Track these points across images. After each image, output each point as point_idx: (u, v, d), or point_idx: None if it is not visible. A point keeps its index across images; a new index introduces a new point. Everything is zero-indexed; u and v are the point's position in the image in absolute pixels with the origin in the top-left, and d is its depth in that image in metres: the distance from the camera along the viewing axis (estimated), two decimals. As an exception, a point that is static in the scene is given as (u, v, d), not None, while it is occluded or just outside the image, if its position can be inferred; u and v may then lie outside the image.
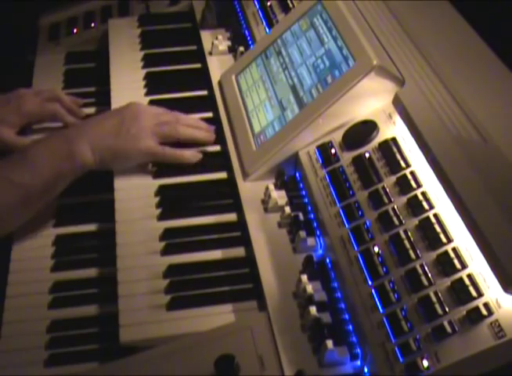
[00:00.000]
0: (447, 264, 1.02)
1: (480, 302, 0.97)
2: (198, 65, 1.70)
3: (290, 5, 1.58)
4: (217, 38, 1.67)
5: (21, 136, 1.51)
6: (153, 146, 1.36)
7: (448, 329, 0.96)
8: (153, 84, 1.63)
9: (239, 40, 1.66)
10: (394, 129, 1.23)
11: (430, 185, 1.12)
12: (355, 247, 1.11)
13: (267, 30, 1.59)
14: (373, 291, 1.05)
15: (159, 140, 1.38)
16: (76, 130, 1.36)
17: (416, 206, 1.10)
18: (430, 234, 1.06)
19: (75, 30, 1.87)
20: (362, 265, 1.09)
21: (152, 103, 1.57)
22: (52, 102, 1.55)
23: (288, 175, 1.33)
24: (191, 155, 1.40)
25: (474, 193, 1.03)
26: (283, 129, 1.34)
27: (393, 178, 1.16)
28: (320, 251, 1.21)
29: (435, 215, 1.08)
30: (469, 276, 1.00)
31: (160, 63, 1.70)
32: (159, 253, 1.26)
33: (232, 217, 1.33)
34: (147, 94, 1.61)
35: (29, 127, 1.55)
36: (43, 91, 1.58)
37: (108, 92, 1.61)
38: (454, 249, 1.03)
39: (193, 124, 1.44)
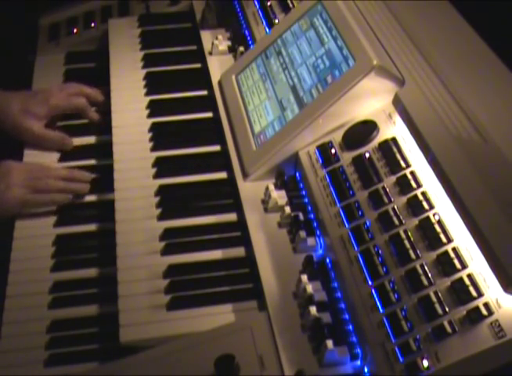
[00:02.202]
0: (447, 264, 1.02)
1: (480, 302, 0.97)
2: (198, 65, 1.70)
3: (290, 5, 1.58)
4: (217, 38, 1.67)
5: (49, 129, 1.54)
6: (21, 195, 1.36)
7: (449, 329, 0.96)
8: (153, 84, 1.63)
9: (239, 40, 1.66)
10: (394, 129, 1.23)
11: (430, 185, 1.12)
12: (355, 247, 1.11)
13: (267, 30, 1.59)
14: (373, 291, 1.05)
15: (30, 192, 1.37)
16: None
17: (416, 206, 1.10)
18: (430, 234, 1.06)
19: (75, 30, 1.87)
20: (362, 265, 1.09)
21: (152, 102, 1.58)
22: (78, 96, 1.59)
23: (288, 175, 1.33)
24: (61, 197, 1.40)
25: (474, 193, 1.03)
26: (283, 129, 1.34)
27: (393, 178, 1.16)
28: (320, 251, 1.21)
29: (435, 215, 1.08)
30: (469, 276, 1.00)
31: (160, 63, 1.70)
32: (159, 253, 1.26)
33: (232, 217, 1.33)
34: (147, 94, 1.61)
35: (54, 123, 1.58)
36: (67, 86, 1.62)
37: (108, 92, 1.61)
38: (454, 249, 1.03)
39: (66, 176, 1.43)
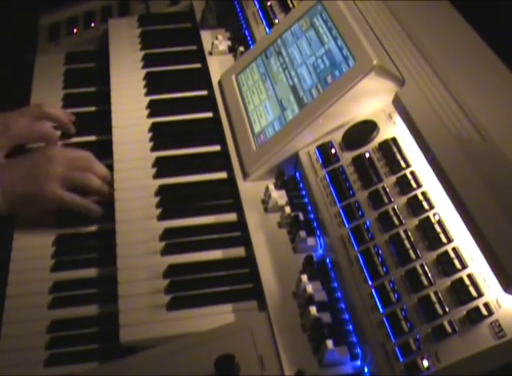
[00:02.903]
0: (447, 264, 1.02)
1: (480, 302, 0.97)
2: (198, 65, 1.70)
3: (290, 5, 1.58)
4: (217, 38, 1.67)
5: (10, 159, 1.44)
6: (58, 192, 1.32)
7: (449, 329, 0.96)
8: (153, 84, 1.63)
9: (239, 40, 1.66)
10: (394, 129, 1.23)
11: (430, 185, 1.12)
12: (355, 247, 1.11)
13: (267, 30, 1.59)
14: (373, 291, 1.05)
15: (67, 186, 1.34)
16: None
17: (416, 206, 1.10)
18: (430, 234, 1.06)
19: (75, 30, 1.87)
20: (362, 265, 1.09)
21: (152, 102, 1.58)
22: (41, 121, 1.50)
23: (288, 175, 1.33)
24: (97, 209, 1.37)
25: (474, 193, 1.03)
26: (283, 129, 1.34)
27: (393, 178, 1.16)
28: (320, 251, 1.21)
29: (435, 215, 1.08)
30: (469, 276, 1.00)
31: (160, 63, 1.70)
32: (159, 253, 1.26)
33: (232, 217, 1.33)
34: (147, 94, 1.61)
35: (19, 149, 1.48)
36: (29, 109, 1.51)
37: (108, 92, 1.61)
38: (454, 249, 1.03)
39: (104, 176, 1.39)
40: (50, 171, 1.32)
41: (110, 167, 1.43)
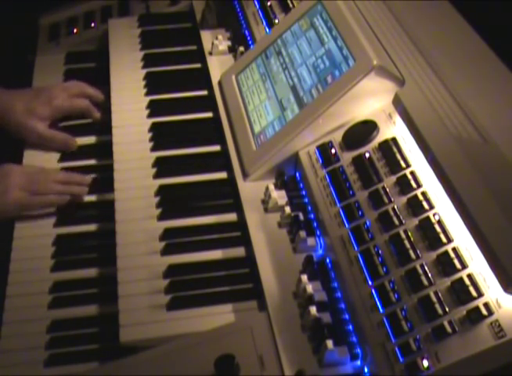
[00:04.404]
0: (447, 264, 1.02)
1: (480, 302, 0.97)
2: (198, 65, 1.70)
3: (290, 5, 1.58)
4: (217, 38, 1.67)
5: (53, 130, 1.53)
6: (19, 198, 1.35)
7: (449, 329, 0.96)
8: (153, 84, 1.63)
9: (239, 40, 1.66)
10: (394, 129, 1.23)
11: (430, 185, 1.12)
12: (355, 247, 1.11)
13: (267, 30, 1.59)
14: (373, 291, 1.05)
15: (28, 194, 1.36)
16: None
17: (416, 206, 1.10)
18: (430, 234, 1.06)
19: (75, 30, 1.87)
20: (362, 265, 1.09)
21: (152, 102, 1.58)
22: (81, 97, 1.59)
23: (288, 175, 1.33)
24: (58, 199, 1.39)
25: (474, 193, 1.03)
26: (283, 129, 1.34)
27: (393, 178, 1.16)
28: (320, 251, 1.21)
29: (435, 215, 1.08)
30: (469, 276, 1.00)
31: (160, 63, 1.70)
32: (159, 253, 1.26)
33: (232, 217, 1.33)
34: (147, 94, 1.61)
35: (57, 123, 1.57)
36: (70, 86, 1.61)
37: (108, 92, 1.61)
38: (454, 249, 1.03)
39: (65, 180, 1.42)
40: (9, 184, 1.35)
41: (110, 167, 1.43)
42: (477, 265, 1.01)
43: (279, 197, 1.28)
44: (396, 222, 1.10)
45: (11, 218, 1.38)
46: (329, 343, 1.02)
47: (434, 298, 0.99)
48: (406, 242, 1.07)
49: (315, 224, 1.23)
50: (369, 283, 1.06)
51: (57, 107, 1.54)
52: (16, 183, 1.36)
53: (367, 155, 1.21)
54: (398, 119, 1.23)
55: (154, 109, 1.56)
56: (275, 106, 1.39)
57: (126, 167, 1.43)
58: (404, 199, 1.12)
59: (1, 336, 1.18)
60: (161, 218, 1.32)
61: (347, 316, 1.09)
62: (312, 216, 1.25)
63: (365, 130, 1.25)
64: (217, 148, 1.48)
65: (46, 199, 1.38)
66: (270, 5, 1.63)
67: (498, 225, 0.99)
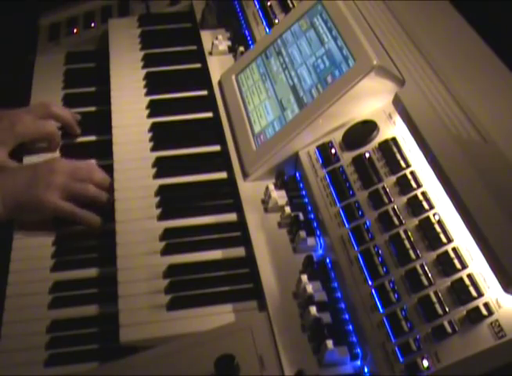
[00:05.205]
0: (447, 264, 1.02)
1: (480, 302, 0.97)
2: (198, 65, 1.70)
3: (290, 5, 1.58)
4: (217, 38, 1.67)
5: (12, 160, 1.46)
6: (57, 202, 1.32)
7: (448, 329, 0.96)
8: (153, 84, 1.63)
9: (239, 40, 1.66)
10: (394, 129, 1.23)
11: (430, 185, 1.12)
12: (355, 247, 1.11)
13: (267, 30, 1.59)
14: (373, 291, 1.05)
15: (67, 197, 1.34)
16: None
17: (416, 206, 1.10)
18: (430, 234, 1.06)
19: (75, 30, 1.87)
20: (362, 265, 1.09)
21: (152, 102, 1.58)
22: (47, 119, 1.51)
23: (288, 175, 1.33)
24: (95, 220, 1.36)
25: (474, 193, 1.03)
26: (283, 129, 1.34)
27: (393, 178, 1.16)
28: (320, 251, 1.21)
29: (435, 215, 1.08)
30: (469, 276, 1.00)
31: (160, 63, 1.70)
32: (159, 253, 1.26)
33: (232, 217, 1.33)
34: (147, 94, 1.61)
35: (23, 147, 1.51)
36: (34, 107, 1.53)
37: (108, 92, 1.61)
38: (454, 249, 1.03)
39: (105, 184, 1.39)
40: (50, 182, 1.33)
41: (110, 167, 1.43)
42: (477, 265, 1.01)
43: (279, 197, 1.28)
44: (396, 222, 1.10)
45: (41, 219, 1.35)
46: (329, 343, 1.02)
47: (434, 298, 0.99)
48: (406, 242, 1.07)
49: (315, 224, 1.23)
50: (369, 283, 1.06)
51: (19, 133, 1.45)
52: (59, 181, 1.33)
53: (367, 155, 1.21)
54: (398, 119, 1.23)
55: (154, 109, 1.56)
56: (275, 106, 1.39)
57: (126, 167, 1.43)
58: (404, 199, 1.12)
59: (1, 336, 1.18)
60: (161, 218, 1.32)
61: (347, 316, 1.09)
62: (312, 216, 1.25)
63: (365, 130, 1.25)
64: (217, 148, 1.48)
65: (85, 217, 1.35)
66: (270, 5, 1.63)
67: (498, 225, 0.99)
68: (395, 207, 1.12)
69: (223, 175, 1.42)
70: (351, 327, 1.08)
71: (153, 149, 1.47)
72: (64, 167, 1.37)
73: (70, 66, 1.80)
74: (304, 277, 1.13)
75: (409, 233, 1.08)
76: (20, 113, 1.49)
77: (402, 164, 1.16)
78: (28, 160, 1.51)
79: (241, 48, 1.62)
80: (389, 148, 1.20)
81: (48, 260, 1.31)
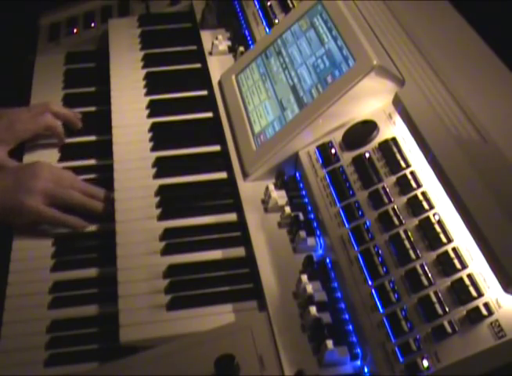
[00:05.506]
0: (447, 264, 1.02)
1: (480, 302, 0.97)
2: (198, 65, 1.70)
3: (290, 5, 1.58)
4: (217, 38, 1.67)
5: (13, 159, 1.47)
6: (36, 206, 1.31)
7: (449, 329, 0.96)
8: (153, 84, 1.63)
9: (239, 40, 1.66)
10: (394, 129, 1.23)
11: (430, 185, 1.12)
12: (355, 247, 1.11)
13: (267, 30, 1.59)
14: (373, 291, 1.05)
15: (49, 201, 1.33)
16: None
17: (416, 206, 1.10)
18: (430, 234, 1.06)
19: (75, 30, 1.87)
20: (362, 265, 1.09)
21: (152, 102, 1.58)
22: (44, 114, 1.51)
23: (288, 175, 1.33)
24: (75, 222, 1.35)
25: (474, 193, 1.03)
26: (283, 129, 1.34)
27: (393, 178, 1.16)
28: (320, 251, 1.21)
29: (435, 215, 1.08)
30: (469, 276, 1.00)
31: (160, 63, 1.70)
32: (159, 253, 1.26)
33: (232, 217, 1.33)
34: (147, 94, 1.61)
35: (22, 145, 1.52)
36: (34, 105, 1.55)
37: (108, 92, 1.61)
38: (454, 249, 1.03)
39: (88, 191, 1.38)
40: (32, 186, 1.32)
41: (110, 167, 1.43)
42: (477, 265, 1.01)
43: (279, 197, 1.28)
44: (396, 222, 1.10)
45: (20, 224, 1.35)
46: (329, 343, 1.02)
47: (434, 298, 0.99)
48: (406, 242, 1.07)
49: (315, 224, 1.23)
50: (369, 283, 1.06)
51: (19, 131, 1.47)
52: (42, 186, 1.32)
53: (367, 155, 1.21)
54: (398, 119, 1.23)
55: (154, 109, 1.56)
56: (275, 106, 1.39)
57: (126, 167, 1.43)
58: (404, 199, 1.12)
59: (1, 336, 1.18)
60: (161, 218, 1.32)
61: (347, 316, 1.09)
62: (312, 216, 1.25)
63: (365, 130, 1.25)
64: (217, 148, 1.48)
65: (64, 218, 1.34)
66: (270, 5, 1.63)
67: (498, 225, 0.99)
68: (395, 207, 1.12)
69: (223, 175, 1.42)
70: (351, 327, 1.08)
71: (153, 149, 1.47)
72: (47, 172, 1.36)
73: (70, 66, 1.80)
74: (304, 277, 1.13)
75: (409, 233, 1.08)
76: (19, 112, 1.50)
77: (402, 164, 1.16)
78: (28, 158, 1.51)
79: (241, 48, 1.62)
80: (389, 148, 1.19)
81: (48, 260, 1.31)
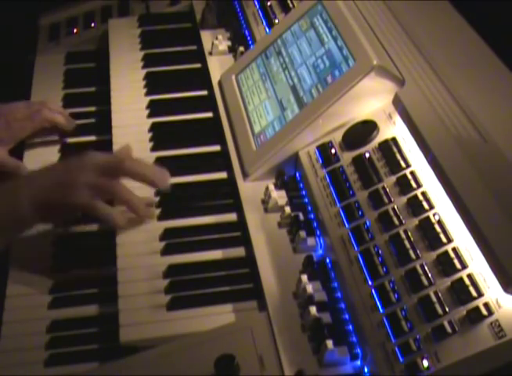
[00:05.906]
0: (447, 264, 1.02)
1: (480, 302, 0.97)
2: (198, 65, 1.70)
3: (290, 5, 1.58)
4: (217, 38, 1.67)
5: (13, 158, 1.46)
6: (84, 201, 1.24)
7: (448, 329, 0.96)
8: (153, 84, 1.63)
9: (239, 40, 1.66)
10: (394, 129, 1.23)
11: (430, 185, 1.12)
12: (355, 247, 1.11)
13: (267, 30, 1.59)
14: (373, 291, 1.05)
15: (96, 194, 1.26)
16: (22, 181, 1.29)
17: (416, 206, 1.10)
18: (430, 234, 1.06)
19: (75, 30, 1.87)
20: (362, 265, 1.09)
21: (152, 102, 1.57)
22: (39, 110, 1.50)
23: (288, 175, 1.33)
24: (121, 220, 1.28)
25: (474, 193, 1.03)
26: (283, 129, 1.34)
27: (393, 178, 1.16)
28: (320, 251, 1.21)
29: (435, 215, 1.08)
30: (469, 276, 1.00)
31: (160, 63, 1.70)
32: (159, 253, 1.26)
33: (232, 217, 1.33)
34: (147, 94, 1.61)
35: (22, 143, 1.51)
36: (32, 102, 1.54)
37: (108, 92, 1.61)
38: (454, 249, 1.03)
39: (143, 173, 1.29)
40: (79, 180, 1.25)
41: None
42: (477, 265, 1.01)
43: (279, 197, 1.28)
44: (396, 222, 1.10)
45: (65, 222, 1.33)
46: (329, 343, 1.02)
47: (434, 298, 0.99)
48: (406, 242, 1.07)
49: (315, 224, 1.23)
50: (369, 283, 1.06)
51: (18, 129, 1.46)
52: (87, 180, 1.24)
53: (367, 155, 1.21)
54: (398, 119, 1.23)
55: (154, 109, 1.56)
56: (275, 106, 1.39)
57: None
58: (404, 199, 1.12)
59: (1, 336, 1.18)
60: (161, 218, 1.32)
61: (347, 316, 1.09)
62: (312, 216, 1.25)
63: (365, 130, 1.25)
64: (217, 148, 1.48)
65: (110, 216, 1.27)
66: (270, 5, 1.63)
67: (498, 225, 0.99)
68: (395, 207, 1.12)
69: (223, 175, 1.42)
70: (351, 327, 1.08)
71: (153, 149, 1.47)
72: (94, 163, 1.28)
73: (70, 66, 1.80)
74: (304, 277, 1.13)
75: (409, 233, 1.08)
76: (16, 110, 1.49)
77: (402, 164, 1.16)
78: (29, 155, 1.51)
79: (241, 48, 1.62)
80: (389, 148, 1.20)
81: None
